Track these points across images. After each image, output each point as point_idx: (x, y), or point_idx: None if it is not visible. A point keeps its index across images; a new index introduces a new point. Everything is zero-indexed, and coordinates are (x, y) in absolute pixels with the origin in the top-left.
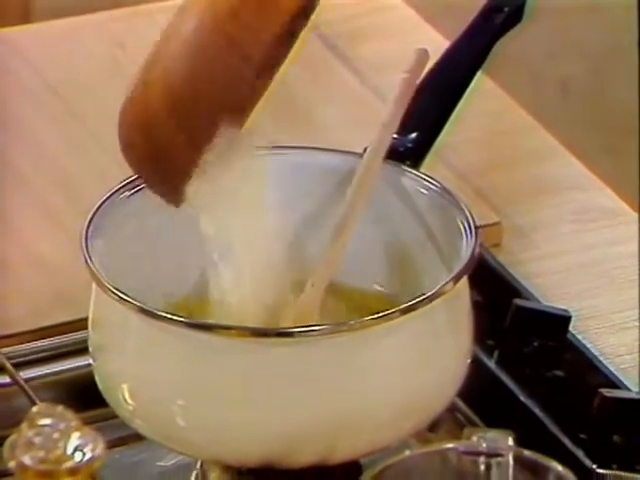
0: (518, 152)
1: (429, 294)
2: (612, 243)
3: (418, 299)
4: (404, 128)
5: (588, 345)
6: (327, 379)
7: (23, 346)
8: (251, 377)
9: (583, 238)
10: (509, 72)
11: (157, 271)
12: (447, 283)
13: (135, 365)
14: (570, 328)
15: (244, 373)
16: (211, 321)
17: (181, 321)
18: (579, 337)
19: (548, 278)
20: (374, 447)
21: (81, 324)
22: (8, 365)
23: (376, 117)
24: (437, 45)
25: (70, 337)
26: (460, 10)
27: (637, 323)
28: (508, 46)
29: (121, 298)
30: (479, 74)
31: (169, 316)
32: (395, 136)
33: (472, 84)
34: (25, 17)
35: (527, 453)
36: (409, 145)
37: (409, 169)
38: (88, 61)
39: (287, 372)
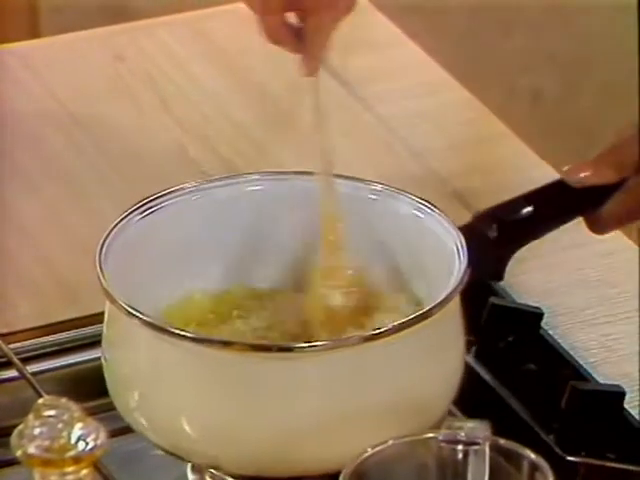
0: (493, 158)
1: (420, 313)
2: (581, 244)
3: (413, 315)
4: None
5: (559, 340)
6: (326, 392)
7: (30, 342)
8: (253, 388)
9: (554, 240)
10: (484, 84)
11: (174, 288)
12: (440, 302)
13: (144, 376)
14: (542, 324)
15: (245, 385)
16: (214, 336)
17: (185, 335)
18: (551, 333)
19: (521, 277)
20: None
21: (84, 321)
22: (16, 360)
23: (362, 125)
24: (417, 58)
25: (74, 333)
26: (439, 27)
27: (605, 320)
28: (483, 59)
29: (130, 312)
30: (457, 84)
31: (175, 331)
32: None
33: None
34: (33, 32)
35: (502, 442)
36: None
37: (406, 194)
38: (91, 72)
39: (287, 385)
